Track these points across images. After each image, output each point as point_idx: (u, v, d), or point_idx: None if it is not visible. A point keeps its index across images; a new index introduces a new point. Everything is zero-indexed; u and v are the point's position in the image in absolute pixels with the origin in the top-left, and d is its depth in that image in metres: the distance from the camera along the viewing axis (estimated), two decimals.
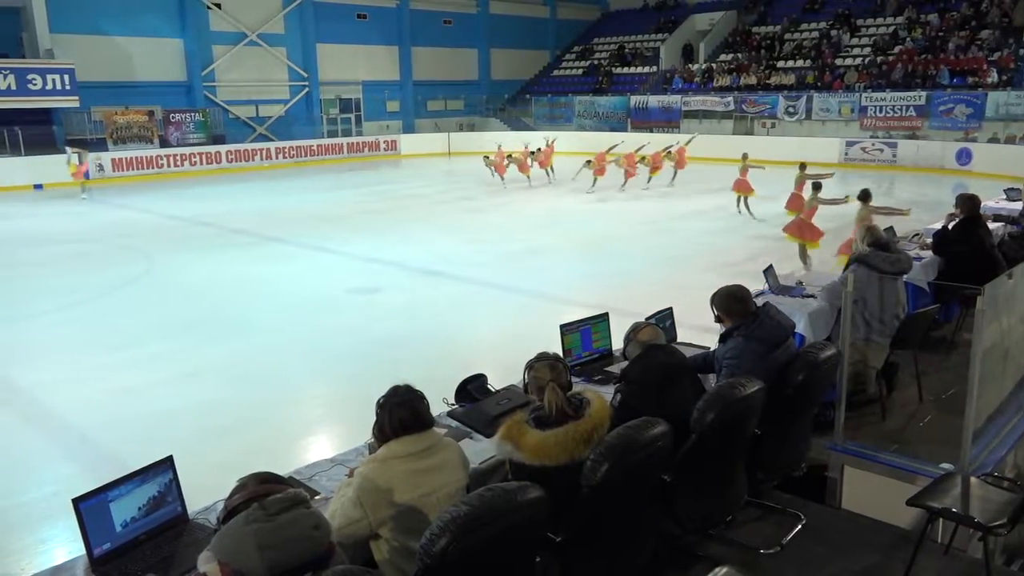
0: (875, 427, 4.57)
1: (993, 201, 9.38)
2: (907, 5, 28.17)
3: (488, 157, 20.71)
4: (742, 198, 15.20)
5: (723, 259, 11.34)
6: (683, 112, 29.02)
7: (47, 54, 23.08)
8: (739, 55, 30.72)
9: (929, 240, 6.89)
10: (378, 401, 2.67)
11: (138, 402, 6.56)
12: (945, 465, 3.77)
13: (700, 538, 3.47)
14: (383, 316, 9.12)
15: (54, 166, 22.23)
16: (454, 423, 3.49)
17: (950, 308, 6.43)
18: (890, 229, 6.88)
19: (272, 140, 28.26)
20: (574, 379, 3.48)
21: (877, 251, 4.97)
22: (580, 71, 35.44)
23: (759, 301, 4.07)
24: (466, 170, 23.59)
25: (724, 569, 2.21)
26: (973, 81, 23.77)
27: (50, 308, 9.62)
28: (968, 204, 6.55)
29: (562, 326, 4.34)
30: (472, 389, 3.77)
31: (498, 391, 3.71)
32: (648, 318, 4.28)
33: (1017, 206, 9.04)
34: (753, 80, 28.69)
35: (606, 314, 4.59)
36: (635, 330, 3.64)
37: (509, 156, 20.39)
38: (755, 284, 5.25)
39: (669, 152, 20.01)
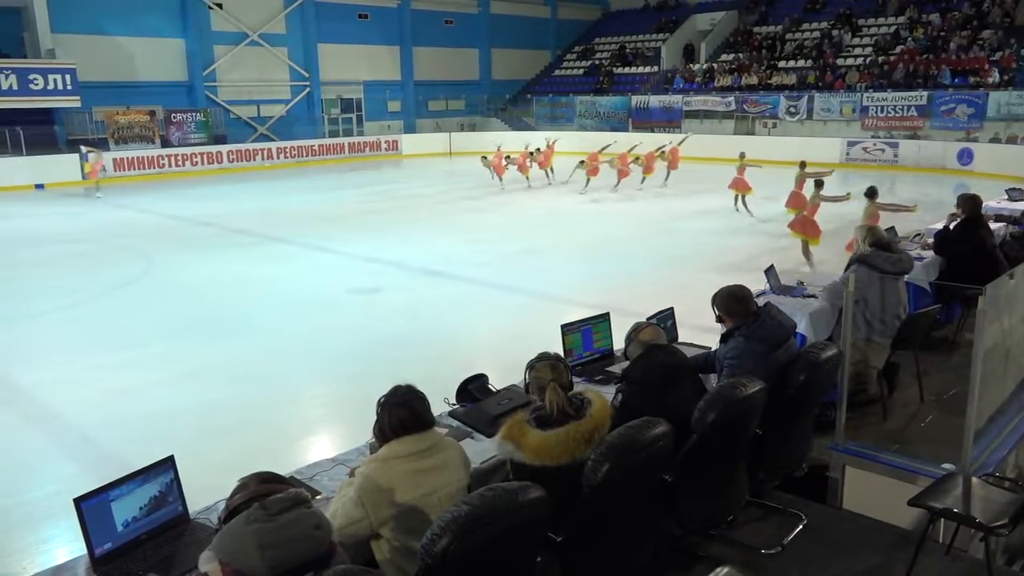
0: (876, 427, 4.56)
1: (995, 201, 9.36)
2: (908, 5, 28.15)
3: (486, 158, 20.65)
4: (740, 196, 15.39)
5: (724, 259, 11.34)
6: (684, 112, 29.01)
7: (48, 54, 23.09)
8: (740, 55, 30.71)
9: (930, 240, 6.88)
10: (379, 401, 2.67)
11: (139, 402, 6.56)
12: (946, 465, 3.76)
13: (701, 538, 3.47)
14: (384, 316, 9.12)
15: (55, 166, 22.32)
16: (455, 423, 3.49)
17: (951, 308, 6.42)
18: (891, 229, 6.87)
19: (273, 140, 28.27)
20: (575, 379, 3.48)
21: (878, 251, 4.97)
22: (581, 71, 35.44)
23: (760, 301, 4.07)
24: (467, 170, 23.58)
25: (725, 569, 2.21)
26: (975, 81, 23.76)
27: (51, 308, 9.63)
28: (969, 204, 6.54)
29: (563, 326, 4.34)
30: (473, 389, 3.78)
31: (499, 391, 3.71)
32: (649, 318, 4.28)
33: (1018, 206, 9.03)
34: (754, 80, 28.68)
35: (607, 314, 4.59)
36: (636, 330, 3.64)
37: (507, 157, 20.29)
38: (756, 284, 5.24)
39: (663, 152, 19.97)
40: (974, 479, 3.44)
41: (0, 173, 21.05)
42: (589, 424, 2.80)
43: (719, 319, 3.83)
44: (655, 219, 15.40)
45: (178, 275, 11.32)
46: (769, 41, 30.63)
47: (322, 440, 5.89)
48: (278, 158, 27.28)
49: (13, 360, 7.83)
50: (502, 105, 34.88)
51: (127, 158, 23.53)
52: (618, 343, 4.28)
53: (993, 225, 7.23)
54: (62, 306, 9.72)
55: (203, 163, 25.35)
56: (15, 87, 21.92)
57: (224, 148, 26.19)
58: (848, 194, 11.51)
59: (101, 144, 23.61)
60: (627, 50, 34.69)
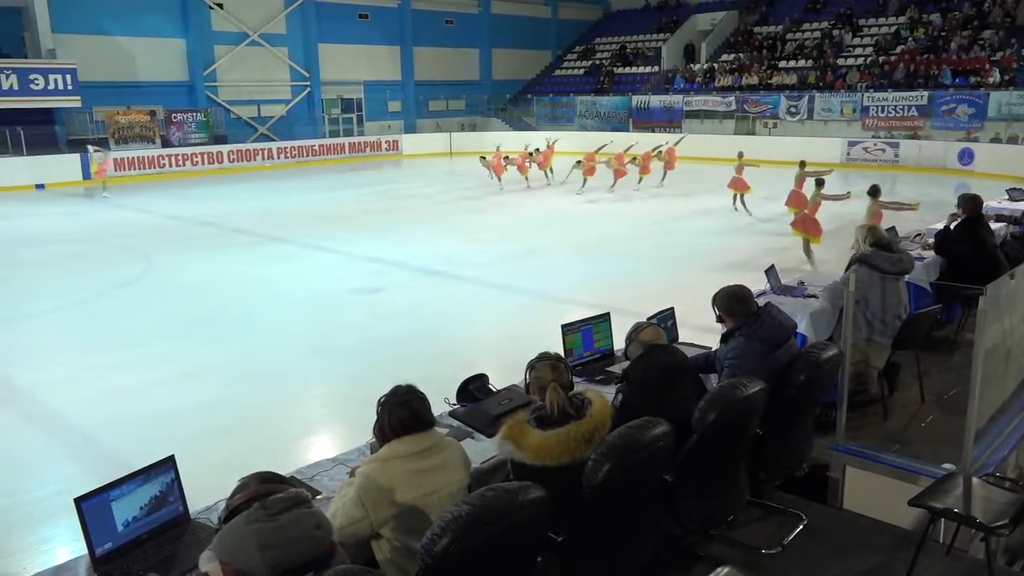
0: (877, 427, 4.56)
1: (995, 201, 9.36)
2: (909, 5, 28.15)
3: (485, 158, 20.57)
4: (738, 195, 15.49)
5: (724, 259, 11.34)
6: (685, 112, 29.01)
7: (49, 54, 23.10)
8: (741, 55, 30.71)
9: (931, 240, 6.88)
10: (379, 401, 2.67)
11: (139, 402, 6.56)
12: (947, 465, 3.76)
13: (702, 538, 3.46)
14: (385, 316, 9.12)
15: (56, 166, 22.33)
16: (456, 423, 3.49)
17: (952, 308, 6.42)
18: (892, 229, 6.87)
19: (274, 140, 28.28)
20: (575, 379, 3.48)
21: (879, 251, 4.97)
22: (582, 71, 35.44)
23: (761, 301, 4.07)
24: (468, 170, 23.58)
25: (726, 569, 2.21)
26: (975, 81, 23.76)
27: (51, 308, 9.63)
28: (970, 204, 6.54)
29: (563, 326, 4.34)
30: (474, 389, 3.78)
31: (499, 391, 3.71)
32: (650, 318, 4.28)
33: (1019, 206, 9.03)
34: (755, 80, 28.68)
35: (607, 314, 4.59)
36: (637, 330, 3.64)
37: (506, 158, 20.19)
38: (757, 284, 5.24)
39: (659, 152, 19.93)
40: (975, 479, 3.44)
41: (0, 173, 21.06)
42: (590, 424, 2.81)
43: (719, 319, 3.83)
44: (655, 219, 15.40)
45: (178, 275, 11.32)
46: (770, 41, 30.62)
47: (322, 440, 5.89)
48: (278, 158, 27.29)
49: (13, 360, 7.83)
50: (503, 105, 34.88)
51: (127, 158, 23.53)
52: (618, 343, 4.28)
53: (994, 225, 7.23)
54: (62, 306, 9.72)
55: (203, 163, 25.36)
56: (16, 87, 21.93)
57: (225, 148, 26.20)
58: (848, 193, 11.60)
59: (103, 144, 23.64)
60: (628, 50, 34.69)
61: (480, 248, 12.80)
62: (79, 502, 2.51)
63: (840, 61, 27.75)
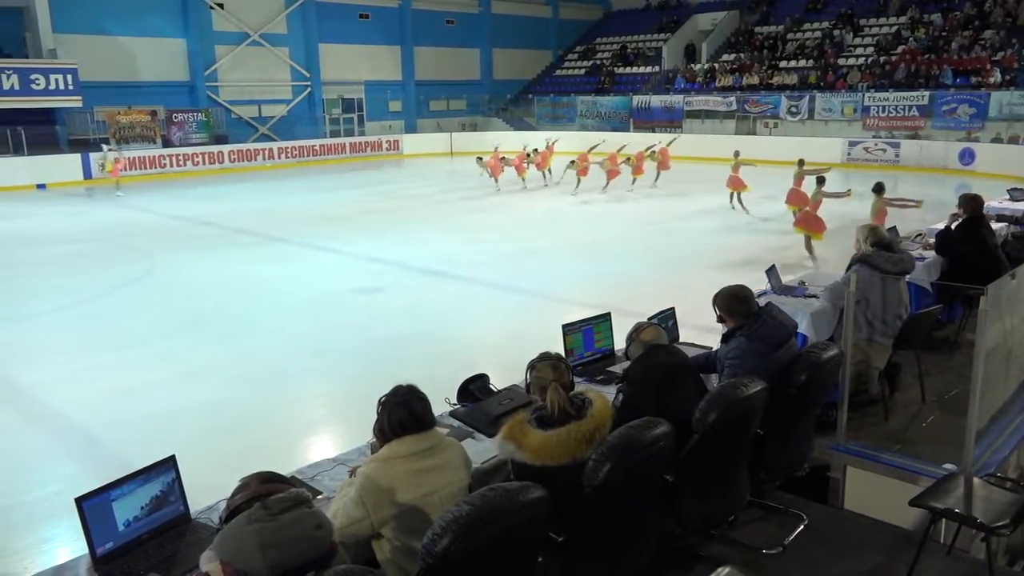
0: (878, 427, 4.56)
1: (996, 201, 9.36)
2: (910, 5, 28.14)
3: (481, 159, 20.40)
4: (735, 194, 15.62)
5: (725, 258, 11.34)
6: (685, 112, 29.01)
7: (50, 54, 23.12)
8: (741, 55, 30.70)
9: (932, 240, 6.87)
10: (379, 400, 2.67)
11: (140, 401, 6.56)
12: (948, 466, 3.76)
13: (702, 538, 3.46)
14: (385, 316, 9.12)
15: (57, 166, 22.35)
16: (456, 423, 3.49)
17: (953, 308, 6.42)
18: (893, 229, 6.88)
19: (274, 140, 28.29)
20: (576, 379, 3.48)
21: (880, 251, 4.96)
22: (582, 71, 35.44)
23: (761, 301, 4.07)
24: (468, 170, 23.56)
25: (726, 569, 2.21)
26: (976, 81, 23.74)
27: (52, 308, 9.64)
28: (971, 204, 6.53)
29: (564, 326, 4.33)
30: (474, 389, 3.77)
31: (500, 391, 3.71)
32: (650, 318, 4.27)
33: (1020, 206, 9.02)
34: (755, 80, 28.67)
35: (608, 314, 4.58)
36: (637, 330, 3.64)
37: (503, 158, 20.05)
38: (757, 284, 5.24)
39: (653, 152, 19.87)
40: (975, 479, 3.44)
41: (1, 173, 21.09)
42: (590, 424, 2.81)
43: (720, 319, 3.83)
44: (655, 219, 15.40)
45: (179, 275, 11.33)
46: (770, 41, 30.62)
47: (323, 440, 5.89)
48: (279, 158, 27.30)
49: (14, 360, 7.84)
50: (503, 105, 34.88)
51: (128, 158, 23.52)
52: (619, 343, 4.28)
53: (995, 225, 7.22)
54: (63, 306, 9.72)
55: (204, 163, 25.38)
56: (16, 87, 21.94)
57: (225, 148, 26.21)
58: (849, 190, 11.71)
59: (104, 144, 23.66)
60: (628, 50, 34.69)
61: (480, 248, 12.80)
62: (80, 502, 2.51)
63: (841, 61, 27.74)
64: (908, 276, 5.28)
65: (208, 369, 7.36)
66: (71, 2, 23.72)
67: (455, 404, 3.71)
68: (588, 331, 4.42)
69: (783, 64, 28.99)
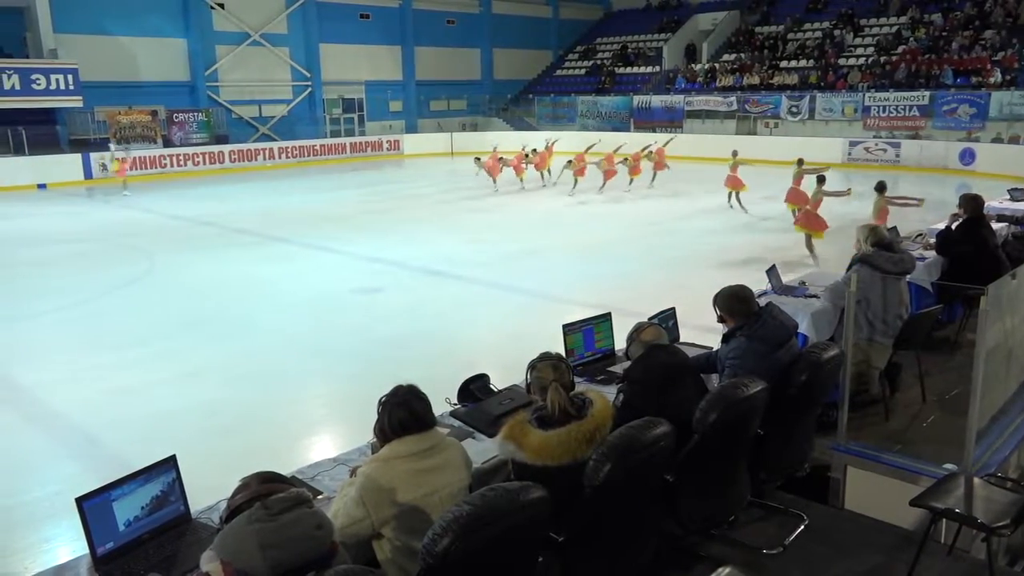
0: (878, 427, 4.56)
1: (997, 201, 9.36)
2: (910, 5, 28.13)
3: (479, 159, 20.26)
4: (733, 193, 15.74)
5: (726, 259, 11.34)
6: (686, 112, 29.01)
7: (51, 54, 23.13)
8: (742, 55, 30.69)
9: (932, 240, 6.87)
10: (380, 400, 2.67)
11: (141, 401, 6.57)
12: (948, 466, 3.76)
13: (702, 538, 3.46)
14: (385, 316, 9.12)
15: (57, 166, 22.36)
16: (456, 423, 3.49)
17: (953, 308, 6.42)
18: (893, 229, 6.88)
19: (275, 140, 28.29)
20: (576, 379, 3.48)
21: (880, 251, 4.96)
22: (583, 71, 35.44)
23: (762, 301, 4.07)
24: (469, 170, 23.50)
25: (727, 569, 2.21)
26: (977, 81, 23.74)
27: (52, 308, 9.64)
28: (972, 204, 6.53)
29: (565, 326, 4.33)
30: (474, 389, 3.77)
31: (500, 391, 3.71)
32: (651, 318, 4.27)
33: (1021, 206, 9.02)
34: (756, 80, 28.67)
35: (609, 314, 4.58)
36: (638, 330, 3.64)
37: (500, 159, 19.91)
38: (758, 283, 5.24)
39: (649, 153, 19.80)
40: (976, 479, 3.44)
41: (2, 173, 21.09)
42: (591, 424, 2.81)
43: (721, 319, 3.83)
44: (656, 219, 15.40)
45: (180, 275, 11.33)
46: (771, 41, 30.61)
47: (323, 440, 5.89)
48: (280, 158, 27.31)
49: (15, 360, 7.84)
50: (504, 105, 34.89)
51: (134, 158, 23.54)
52: (619, 343, 4.28)
53: (995, 225, 7.22)
54: (64, 306, 9.73)
55: (205, 163, 25.39)
56: (17, 87, 21.95)
57: (226, 148, 26.22)
58: (849, 189, 11.91)
59: (104, 144, 23.69)
60: (629, 50, 34.69)
61: (481, 248, 12.80)
62: (80, 502, 2.51)
63: (841, 61, 27.74)
64: (908, 276, 5.28)
65: (208, 369, 7.37)
66: (72, 2, 23.73)
67: (455, 404, 3.71)
68: (588, 331, 4.42)
69: (784, 64, 28.99)
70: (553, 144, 21.61)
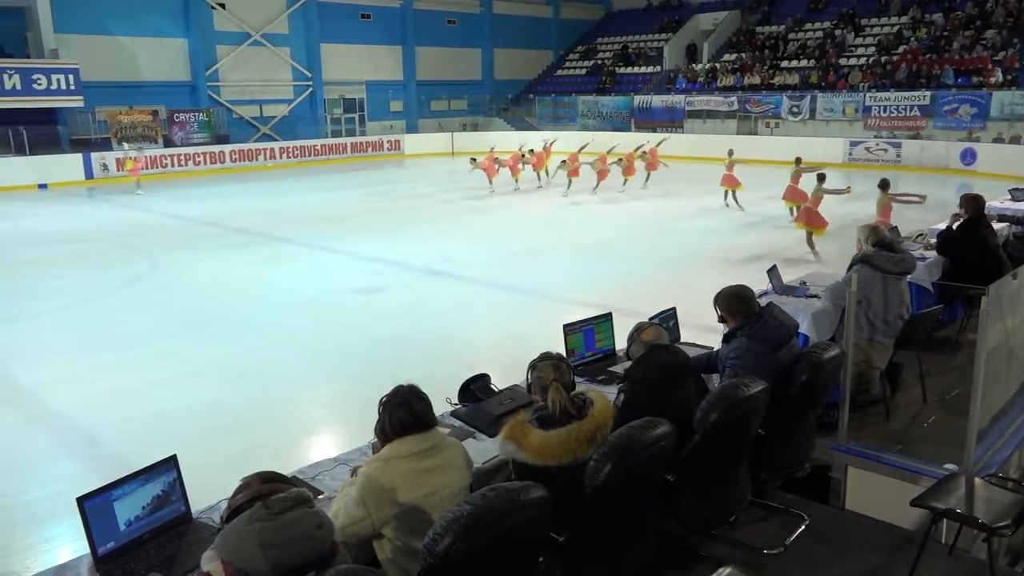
0: (879, 427, 4.56)
1: (998, 201, 9.36)
2: (911, 5, 28.12)
3: (475, 160, 20.10)
4: (730, 192, 15.95)
5: (726, 259, 11.34)
6: (687, 112, 29.00)
7: (52, 54, 23.13)
8: (743, 55, 30.69)
9: (933, 240, 6.87)
10: (380, 400, 2.67)
11: (141, 401, 6.57)
12: (949, 466, 3.76)
13: (703, 538, 3.46)
14: (386, 316, 9.12)
15: (58, 166, 22.37)
16: (457, 423, 3.49)
17: (954, 308, 6.41)
18: (894, 229, 6.88)
19: (276, 140, 28.30)
20: (577, 379, 3.48)
21: (881, 251, 4.96)
22: (584, 71, 35.43)
23: (763, 301, 4.07)
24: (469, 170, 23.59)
25: (727, 570, 2.21)
26: (978, 81, 23.72)
27: (53, 308, 9.65)
28: (972, 204, 6.53)
29: (565, 326, 4.33)
30: (475, 389, 3.77)
31: (501, 391, 3.71)
32: (652, 318, 4.27)
33: (1022, 206, 9.01)
34: (757, 80, 28.66)
35: (609, 314, 4.58)
36: (638, 330, 3.64)
37: (496, 159, 19.81)
38: (758, 283, 5.24)
39: (643, 153, 19.72)
40: (977, 480, 3.44)
41: (3, 173, 21.11)
42: (591, 424, 2.81)
43: (721, 319, 3.83)
44: (656, 219, 15.40)
45: (181, 275, 11.33)
46: (772, 41, 30.60)
47: (324, 440, 5.90)
48: (280, 158, 27.32)
49: (16, 360, 7.84)
50: (504, 105, 34.89)
51: (123, 159, 23.54)
52: (620, 343, 4.28)
53: (996, 225, 7.21)
54: (64, 306, 9.73)
55: (206, 163, 25.40)
56: (18, 87, 21.95)
57: (227, 148, 26.23)
58: (848, 188, 12.14)
59: (105, 144, 23.72)
60: (629, 50, 34.68)
61: (481, 248, 12.80)
62: (81, 501, 2.51)
63: (842, 61, 27.73)
64: (909, 276, 5.28)
65: (209, 369, 7.37)
66: (72, 2, 23.74)
67: (456, 404, 3.71)
68: (589, 331, 4.42)
69: (784, 64, 28.98)
70: (551, 144, 21.55)
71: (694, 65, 31.67)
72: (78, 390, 6.89)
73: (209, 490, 2.89)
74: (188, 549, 2.58)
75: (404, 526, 2.49)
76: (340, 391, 6.88)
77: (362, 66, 31.43)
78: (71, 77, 22.72)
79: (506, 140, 25.86)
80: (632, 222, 15.15)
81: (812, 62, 28.40)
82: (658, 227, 14.54)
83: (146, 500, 2.65)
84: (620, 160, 19.12)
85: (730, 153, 16.07)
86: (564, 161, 19.20)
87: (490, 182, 19.69)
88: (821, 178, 11.70)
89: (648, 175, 19.70)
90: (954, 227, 6.69)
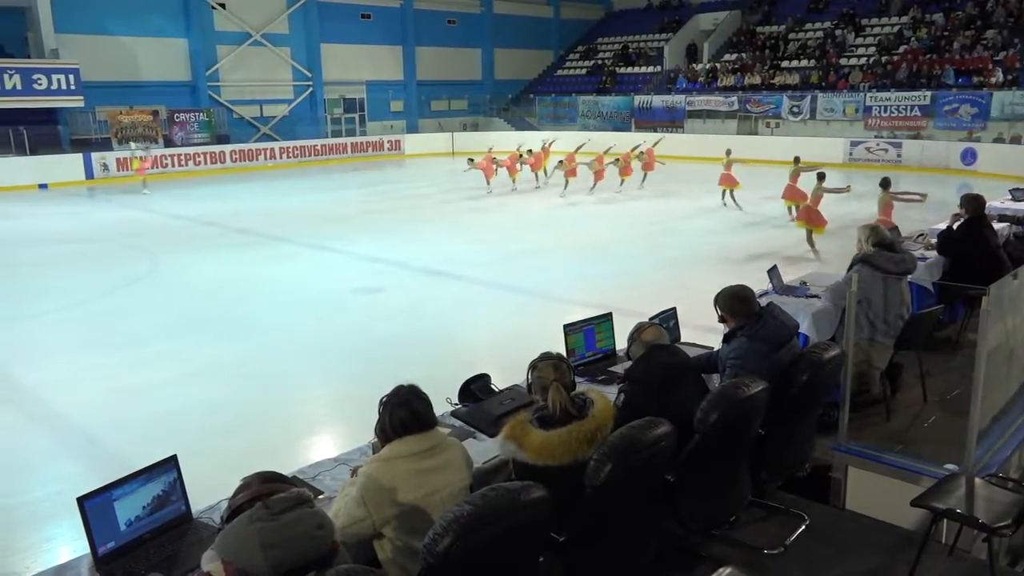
0: (879, 428, 4.56)
1: (998, 201, 9.36)
2: (912, 5, 28.11)
3: (472, 160, 20.03)
4: (727, 191, 16.07)
5: (727, 259, 11.34)
6: (687, 112, 29.00)
7: (52, 54, 23.14)
8: (743, 55, 30.68)
9: (934, 240, 6.87)
10: (381, 400, 2.67)
11: (142, 401, 6.57)
12: (949, 466, 3.76)
13: (704, 538, 3.46)
14: (386, 316, 9.12)
15: (59, 166, 22.37)
16: (457, 423, 3.49)
17: (955, 308, 6.41)
18: (895, 229, 6.87)
19: (276, 140, 28.30)
20: (577, 379, 3.48)
21: (882, 251, 4.96)
22: (584, 71, 35.43)
23: (763, 301, 4.07)
24: (470, 170, 23.57)
25: (728, 570, 2.21)
26: (978, 81, 23.71)
27: (54, 307, 9.65)
28: (973, 204, 6.53)
29: (566, 326, 4.33)
30: (475, 389, 3.77)
31: (501, 391, 3.71)
32: (652, 318, 4.27)
33: (1022, 206, 9.01)
34: (757, 80, 28.65)
35: (610, 314, 4.58)
36: (639, 330, 3.64)
37: (494, 160, 19.72)
38: (759, 284, 5.24)
39: (640, 153, 19.65)
40: (977, 480, 3.44)
41: (3, 173, 21.11)
42: (591, 424, 2.81)
43: (722, 319, 3.83)
44: (656, 219, 15.40)
45: (182, 275, 11.33)
46: (772, 41, 30.60)
47: (324, 439, 5.90)
48: (281, 158, 27.32)
49: (16, 359, 7.84)
50: (505, 105, 34.89)
51: (130, 158, 23.55)
52: (620, 343, 4.28)
53: (997, 225, 7.21)
54: (65, 305, 9.73)
55: (206, 163, 25.40)
56: (19, 87, 21.95)
57: (227, 148, 26.24)
58: (848, 186, 12.31)
59: (105, 144, 23.73)
60: (630, 50, 34.68)
61: (482, 248, 12.80)
62: (82, 501, 2.51)
63: (843, 61, 27.72)
64: (910, 276, 5.28)
65: (210, 369, 7.37)
66: (73, 2, 23.74)
67: (456, 404, 3.71)
68: (589, 331, 4.42)
69: (785, 64, 28.97)
70: (550, 145, 21.51)
71: (694, 65, 31.67)
72: (78, 390, 6.90)
73: (209, 490, 2.89)
74: (188, 549, 2.58)
75: (404, 526, 2.49)
76: (340, 391, 6.88)
77: (362, 66, 31.44)
78: (71, 77, 22.72)
79: (506, 140, 25.85)
80: (632, 222, 15.14)
81: (812, 62, 28.40)
82: (658, 227, 14.54)
83: (146, 500, 2.65)
84: (617, 160, 19.07)
85: (728, 153, 16.18)
86: (561, 161, 19.14)
87: (487, 182, 19.61)
88: (821, 177, 11.82)
89: (645, 175, 19.63)
90: (955, 227, 6.69)
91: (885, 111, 24.78)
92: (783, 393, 3.41)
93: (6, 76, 21.72)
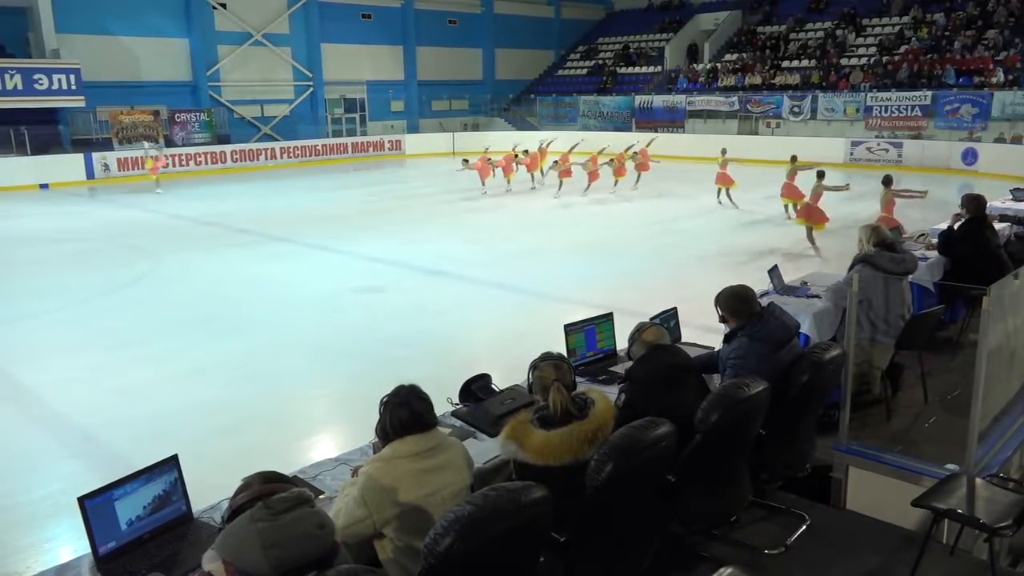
0: (880, 428, 4.56)
1: (999, 201, 9.35)
2: (913, 4, 28.10)
3: (467, 160, 19.90)
4: (723, 190, 16.20)
5: (727, 258, 11.34)
6: (688, 112, 29.00)
7: (53, 54, 23.15)
8: (744, 55, 30.68)
9: (934, 240, 6.87)
10: (381, 400, 2.67)
11: (143, 401, 6.57)
12: (950, 466, 3.75)
13: (704, 538, 3.46)
14: (387, 315, 9.12)
15: (59, 166, 22.38)
16: (458, 423, 3.49)
17: (955, 308, 6.41)
18: (895, 229, 6.86)
19: (277, 140, 28.31)
20: (578, 379, 3.48)
21: (882, 251, 4.96)
22: (584, 71, 35.43)
23: (764, 301, 4.07)
24: (469, 171, 23.56)
25: (728, 570, 2.21)
26: (979, 81, 23.70)
27: (54, 307, 9.65)
28: (974, 204, 6.53)
29: (566, 326, 4.33)
30: (476, 389, 3.77)
31: (502, 391, 3.71)
32: (653, 318, 4.27)
33: (1023, 206, 9.01)
34: (758, 80, 28.65)
35: (610, 314, 4.58)
36: (640, 330, 3.64)
37: (489, 160, 19.62)
38: (760, 284, 5.24)
39: (634, 154, 19.54)
40: (978, 480, 3.43)
41: (4, 173, 21.12)
42: (592, 424, 2.80)
43: (722, 319, 3.83)
44: (656, 219, 15.40)
45: (182, 274, 11.34)
46: (773, 41, 30.59)
47: (325, 439, 5.90)
48: (281, 158, 27.32)
49: (17, 359, 7.84)
50: (505, 105, 34.89)
51: (131, 158, 23.57)
52: (621, 343, 4.28)
53: (997, 225, 7.21)
54: (66, 305, 9.74)
55: (207, 163, 25.41)
56: (20, 87, 21.96)
57: (228, 148, 26.25)
58: (847, 184, 12.59)
59: (106, 144, 23.74)
60: (631, 50, 34.68)
61: (482, 248, 12.80)
62: (82, 501, 2.51)
63: (843, 61, 27.71)
64: (911, 276, 5.28)
65: (210, 368, 7.37)
66: (74, 2, 23.75)
67: (457, 404, 3.70)
68: (590, 331, 4.42)
69: (785, 64, 28.97)
70: (548, 145, 21.45)
71: (695, 65, 31.67)
72: (79, 389, 6.90)
73: (210, 490, 2.89)
74: (189, 549, 2.58)
75: (405, 526, 2.49)
76: (341, 391, 6.88)
77: (363, 66, 31.44)
78: (72, 77, 22.73)
79: (507, 140, 25.81)
80: (633, 222, 15.14)
81: (813, 62, 28.39)
82: (658, 227, 14.54)
83: (147, 500, 2.65)
84: (611, 161, 19.02)
85: (723, 152, 16.29)
86: (556, 162, 19.03)
87: (483, 183, 19.50)
88: (820, 175, 11.95)
89: (639, 176, 19.47)
90: (955, 227, 6.68)
91: (886, 111, 24.78)
92: (784, 393, 3.41)
93: (7, 76, 21.73)
